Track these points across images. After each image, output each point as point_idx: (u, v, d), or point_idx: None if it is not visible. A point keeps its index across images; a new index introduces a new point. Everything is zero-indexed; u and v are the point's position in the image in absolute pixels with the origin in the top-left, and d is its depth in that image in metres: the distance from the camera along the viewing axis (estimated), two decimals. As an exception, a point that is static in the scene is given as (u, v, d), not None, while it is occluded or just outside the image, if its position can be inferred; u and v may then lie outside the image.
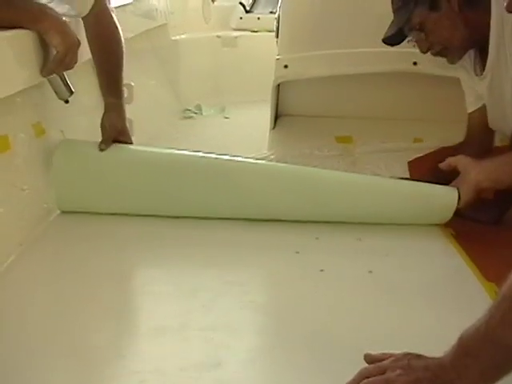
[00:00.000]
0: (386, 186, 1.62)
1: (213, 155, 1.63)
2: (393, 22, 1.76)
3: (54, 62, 1.47)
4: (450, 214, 1.55)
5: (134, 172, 1.59)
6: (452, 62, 1.77)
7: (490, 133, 1.86)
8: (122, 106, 1.69)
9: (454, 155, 1.59)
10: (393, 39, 1.77)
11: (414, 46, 1.78)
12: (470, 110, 1.89)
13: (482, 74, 1.76)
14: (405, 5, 1.71)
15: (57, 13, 1.48)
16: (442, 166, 1.59)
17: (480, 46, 1.73)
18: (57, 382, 0.98)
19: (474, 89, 1.83)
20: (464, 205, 1.52)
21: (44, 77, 1.50)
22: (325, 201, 1.57)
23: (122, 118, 1.68)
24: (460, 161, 1.56)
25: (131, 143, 1.69)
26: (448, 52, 1.74)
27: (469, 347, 0.85)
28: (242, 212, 1.57)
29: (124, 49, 1.72)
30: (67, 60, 1.47)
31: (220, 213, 1.58)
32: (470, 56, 1.80)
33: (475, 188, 1.50)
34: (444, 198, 1.55)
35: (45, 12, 1.45)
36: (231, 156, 1.64)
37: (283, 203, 1.57)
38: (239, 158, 1.64)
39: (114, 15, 1.71)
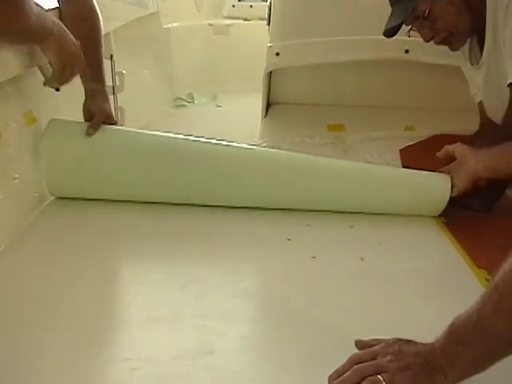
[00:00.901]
0: (379, 176, 1.60)
1: (204, 139, 1.60)
2: (392, 13, 1.72)
3: (52, 78, 1.48)
4: (442, 207, 1.55)
5: (127, 156, 1.57)
6: (456, 49, 1.75)
7: None
8: (105, 91, 1.67)
9: (469, 145, 1.56)
10: (393, 31, 1.73)
11: (408, 35, 1.77)
12: (477, 101, 1.87)
13: (477, 64, 1.75)
14: None
15: (60, 27, 1.43)
16: (440, 154, 1.58)
17: (479, 33, 1.71)
18: (48, 369, 0.98)
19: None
20: (458, 193, 1.52)
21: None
22: (317, 188, 1.56)
23: (108, 102, 1.67)
24: (458, 148, 1.55)
25: None
26: (453, 39, 1.72)
27: (460, 335, 0.85)
28: (232, 199, 1.56)
29: (102, 32, 1.68)
30: (66, 74, 1.47)
31: (211, 200, 1.57)
32: (466, 44, 1.79)
33: (472, 177, 1.50)
34: (437, 193, 1.55)
35: (48, 32, 1.40)
36: (223, 141, 1.62)
37: (275, 190, 1.56)
38: (231, 143, 1.62)
39: None
